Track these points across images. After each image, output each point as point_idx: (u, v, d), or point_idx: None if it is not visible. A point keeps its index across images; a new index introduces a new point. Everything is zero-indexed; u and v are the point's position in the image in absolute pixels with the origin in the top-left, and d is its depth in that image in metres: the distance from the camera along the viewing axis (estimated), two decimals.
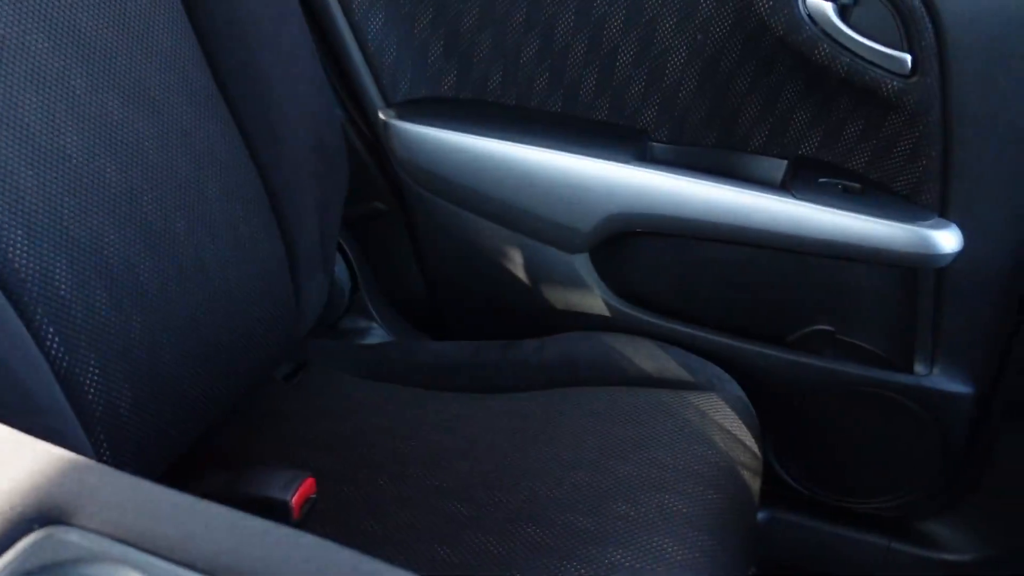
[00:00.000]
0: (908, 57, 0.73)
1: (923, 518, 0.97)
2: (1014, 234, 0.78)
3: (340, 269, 1.04)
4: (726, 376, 0.84)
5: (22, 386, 0.53)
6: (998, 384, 0.86)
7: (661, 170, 0.84)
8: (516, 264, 0.94)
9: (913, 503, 0.95)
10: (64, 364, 0.57)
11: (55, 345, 0.57)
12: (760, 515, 1.01)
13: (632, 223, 0.87)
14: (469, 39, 0.89)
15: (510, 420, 0.79)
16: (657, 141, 0.88)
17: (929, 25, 0.72)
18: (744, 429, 0.77)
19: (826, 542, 1.00)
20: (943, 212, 0.78)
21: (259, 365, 0.76)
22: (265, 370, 0.78)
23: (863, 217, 0.78)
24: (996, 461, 0.90)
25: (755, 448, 0.77)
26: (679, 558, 0.62)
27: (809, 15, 0.75)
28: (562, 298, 0.94)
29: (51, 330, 0.57)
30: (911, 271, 0.82)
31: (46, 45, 0.59)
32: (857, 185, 0.81)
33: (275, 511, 0.66)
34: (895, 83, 0.74)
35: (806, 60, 0.76)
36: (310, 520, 0.68)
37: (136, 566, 0.34)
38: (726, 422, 0.76)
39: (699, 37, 0.81)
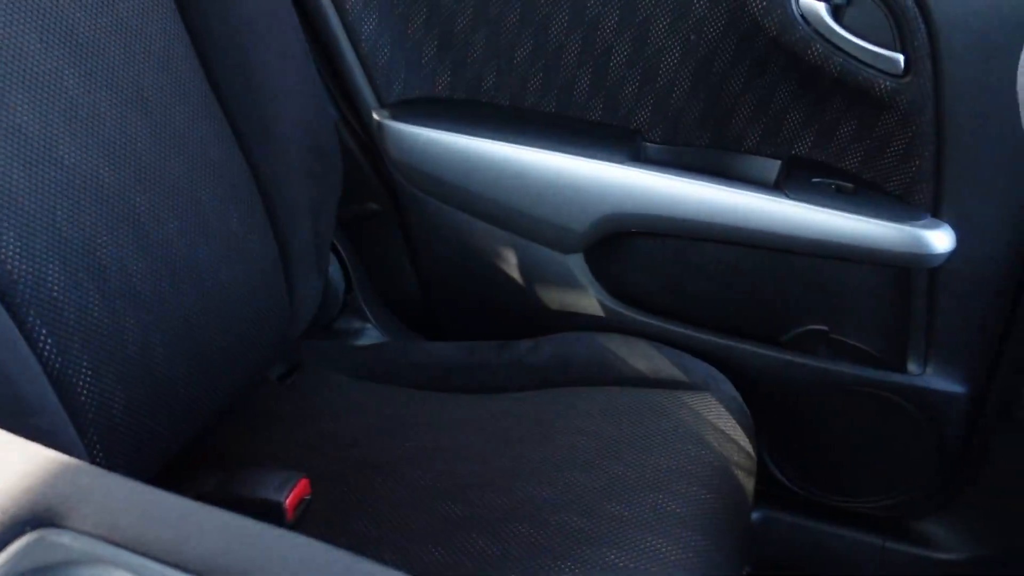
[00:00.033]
0: (901, 57, 0.73)
1: (918, 517, 0.97)
2: (1007, 234, 0.78)
3: (334, 270, 1.04)
4: (720, 376, 0.84)
5: (14, 387, 0.53)
6: (992, 383, 0.86)
7: (655, 170, 0.84)
8: (510, 264, 0.94)
9: (907, 502, 0.95)
10: (57, 365, 0.57)
11: (47, 346, 0.57)
12: (755, 515, 1.01)
13: (626, 223, 0.87)
14: (463, 39, 0.89)
15: (504, 420, 0.79)
16: (651, 141, 0.88)
17: (922, 25, 0.72)
18: (738, 429, 0.77)
19: (821, 542, 1.00)
20: (936, 212, 0.79)
21: (253, 366, 0.76)
22: (259, 371, 0.78)
23: (856, 217, 0.78)
24: (990, 460, 0.90)
25: (749, 448, 0.77)
26: (673, 558, 0.62)
27: (802, 15, 0.75)
28: (556, 298, 0.94)
29: (43, 331, 0.57)
30: (904, 271, 0.82)
31: (39, 46, 0.59)
32: (850, 185, 0.81)
33: (269, 512, 0.66)
34: (888, 83, 0.75)
35: (799, 60, 0.77)
36: (304, 521, 0.68)
37: (129, 568, 0.34)
38: (720, 422, 0.77)
39: (693, 37, 0.81)
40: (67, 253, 0.58)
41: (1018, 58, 0.70)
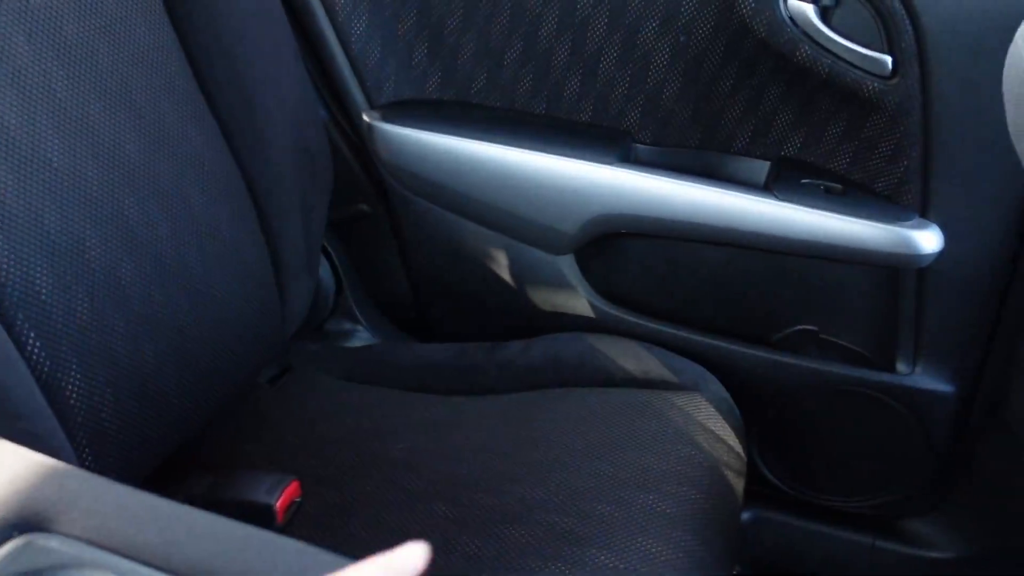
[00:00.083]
0: (888, 59, 0.74)
1: (907, 516, 0.97)
2: (994, 234, 0.79)
3: (324, 271, 1.04)
4: (710, 376, 0.84)
5: (2, 391, 0.53)
6: (979, 383, 0.86)
7: (645, 172, 0.84)
8: (501, 266, 0.94)
9: (897, 502, 0.95)
10: (45, 369, 0.57)
11: (36, 350, 0.57)
12: (745, 515, 1.01)
13: (616, 224, 0.87)
14: (453, 41, 0.89)
15: (494, 422, 0.79)
16: (641, 143, 0.88)
17: (909, 27, 0.72)
18: (728, 429, 0.78)
19: (811, 541, 1.00)
20: (924, 212, 0.79)
21: (243, 368, 0.75)
22: (249, 373, 0.78)
23: (845, 218, 0.79)
24: (978, 459, 0.91)
25: (739, 448, 0.78)
26: (663, 558, 0.63)
27: (791, 17, 0.75)
28: (547, 299, 0.94)
29: (32, 335, 0.56)
30: (893, 271, 0.83)
31: (27, 49, 0.59)
32: (839, 186, 0.81)
33: (259, 515, 0.66)
34: (876, 84, 0.75)
35: (788, 62, 0.77)
36: (294, 524, 0.68)
37: (117, 572, 0.34)
38: (710, 422, 0.77)
39: (682, 39, 0.81)
40: (55, 256, 0.58)
41: (1004, 59, 0.71)
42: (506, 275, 0.94)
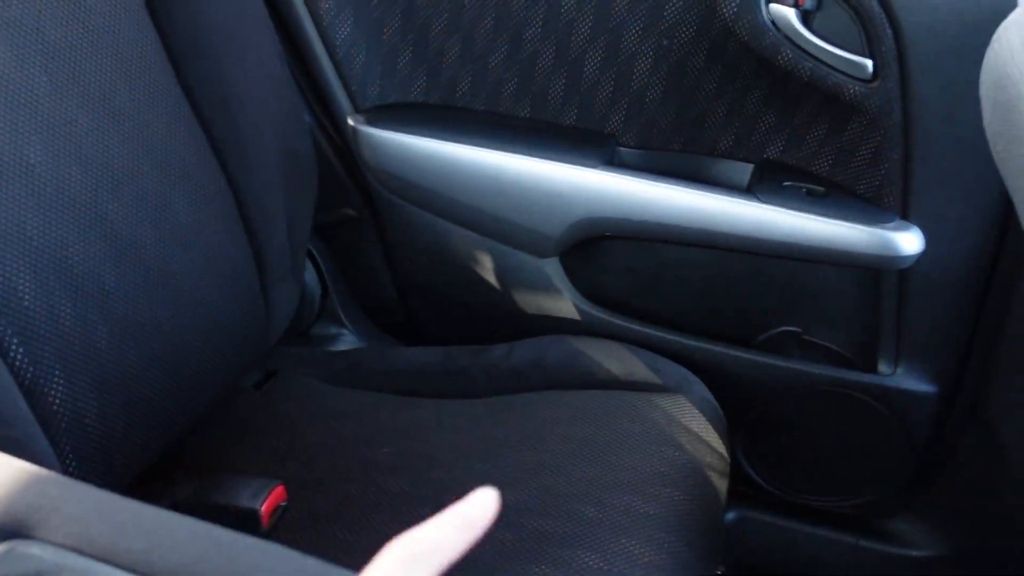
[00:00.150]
0: (869, 62, 0.74)
1: (890, 515, 0.98)
2: (974, 235, 0.80)
3: (310, 276, 1.03)
4: (694, 378, 0.84)
5: None
6: (960, 383, 0.87)
7: (629, 175, 0.85)
8: (487, 269, 0.94)
9: (879, 501, 0.96)
10: (28, 375, 0.57)
11: (19, 356, 0.56)
12: (729, 515, 1.02)
13: (601, 227, 0.87)
14: (438, 45, 0.89)
15: (479, 425, 0.79)
16: (625, 146, 0.88)
17: (889, 31, 0.73)
18: (711, 431, 0.78)
19: (795, 541, 1.01)
20: (905, 214, 0.80)
21: (228, 373, 0.75)
22: (235, 378, 0.78)
23: (827, 220, 0.79)
24: (958, 459, 0.91)
25: (722, 449, 0.78)
26: (647, 559, 0.63)
27: (772, 21, 0.76)
28: (533, 302, 0.94)
29: (15, 341, 0.56)
30: (874, 272, 0.83)
31: (9, 54, 0.59)
32: (821, 188, 0.82)
33: (245, 520, 0.66)
34: (857, 88, 0.76)
35: (770, 65, 0.77)
36: (279, 528, 0.68)
37: None
38: (693, 424, 0.77)
39: (665, 43, 0.82)
40: (38, 262, 0.58)
41: (982, 63, 0.72)
42: (491, 278, 0.95)
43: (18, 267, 0.57)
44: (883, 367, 0.88)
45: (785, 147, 0.83)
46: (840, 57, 0.75)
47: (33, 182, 0.58)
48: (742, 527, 1.02)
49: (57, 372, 0.58)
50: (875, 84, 0.75)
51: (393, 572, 0.29)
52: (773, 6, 0.75)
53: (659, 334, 0.91)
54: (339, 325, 1.05)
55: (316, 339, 1.05)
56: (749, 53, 0.78)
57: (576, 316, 0.93)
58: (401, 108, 0.92)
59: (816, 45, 0.75)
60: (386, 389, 0.87)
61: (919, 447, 0.90)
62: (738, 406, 0.90)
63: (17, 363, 0.56)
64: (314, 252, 1.03)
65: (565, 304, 0.93)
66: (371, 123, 0.91)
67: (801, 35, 0.75)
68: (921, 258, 0.79)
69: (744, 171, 0.86)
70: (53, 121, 0.60)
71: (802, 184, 0.82)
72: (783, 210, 0.80)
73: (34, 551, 0.34)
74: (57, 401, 0.58)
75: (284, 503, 0.68)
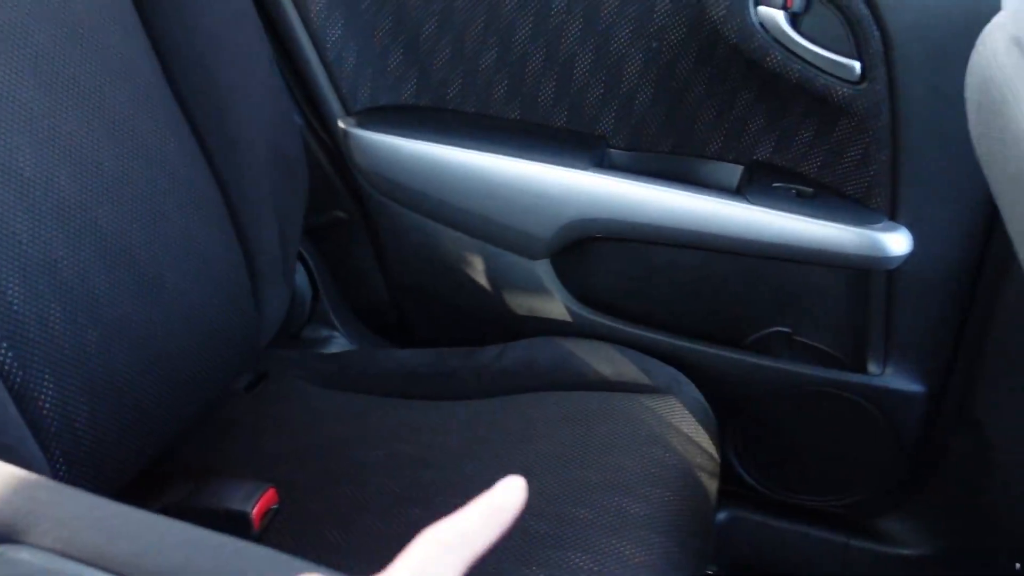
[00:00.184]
0: (857, 64, 0.75)
1: (880, 515, 0.98)
2: (962, 236, 0.80)
3: (300, 278, 1.04)
4: (684, 379, 0.85)
5: None
6: (948, 382, 0.88)
7: (620, 176, 0.85)
8: (478, 271, 0.94)
9: (869, 500, 0.97)
10: (18, 379, 0.57)
11: (9, 360, 0.56)
12: (721, 515, 1.02)
13: (591, 229, 0.88)
14: (428, 48, 0.89)
15: (470, 426, 0.79)
16: (615, 148, 0.88)
17: (876, 33, 0.73)
18: (701, 431, 0.78)
19: (786, 540, 1.01)
20: (893, 215, 0.80)
21: (219, 377, 0.75)
22: (226, 381, 0.78)
23: (816, 221, 0.80)
24: (948, 458, 0.92)
25: (712, 450, 0.78)
26: (637, 560, 0.63)
27: (761, 23, 0.76)
28: (524, 304, 0.94)
29: (4, 345, 0.56)
30: (863, 273, 0.84)
31: None
32: (810, 189, 0.82)
33: (236, 523, 0.66)
34: (845, 90, 0.76)
35: (759, 67, 0.78)
36: (271, 531, 0.68)
37: None
38: (683, 425, 0.77)
39: (654, 45, 0.82)
40: (27, 266, 0.58)
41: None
42: (482, 280, 0.95)
43: (7, 271, 0.57)
44: (872, 367, 0.88)
45: (774, 149, 0.84)
46: (828, 59, 0.75)
47: (22, 187, 0.58)
48: (733, 527, 1.02)
49: (47, 376, 0.58)
50: (863, 86, 0.75)
51: (426, 561, 0.29)
52: (761, 8, 0.76)
53: (650, 335, 0.91)
54: (330, 327, 1.05)
55: (307, 341, 1.06)
56: (738, 55, 0.78)
57: (567, 317, 0.93)
58: (392, 110, 0.92)
59: (804, 47, 0.76)
60: (377, 391, 0.87)
61: (908, 447, 0.91)
62: (729, 407, 0.91)
63: (6, 367, 0.56)
64: (305, 254, 1.03)
65: (556, 305, 0.93)
66: (362, 125, 0.91)
67: (789, 37, 0.76)
68: (909, 259, 0.79)
69: (734, 173, 0.86)
70: (43, 126, 0.60)
71: (791, 185, 0.82)
72: (772, 211, 0.81)
73: (23, 556, 0.34)
74: (47, 405, 0.58)
75: (275, 506, 0.68)
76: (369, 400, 0.85)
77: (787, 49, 0.76)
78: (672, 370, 0.85)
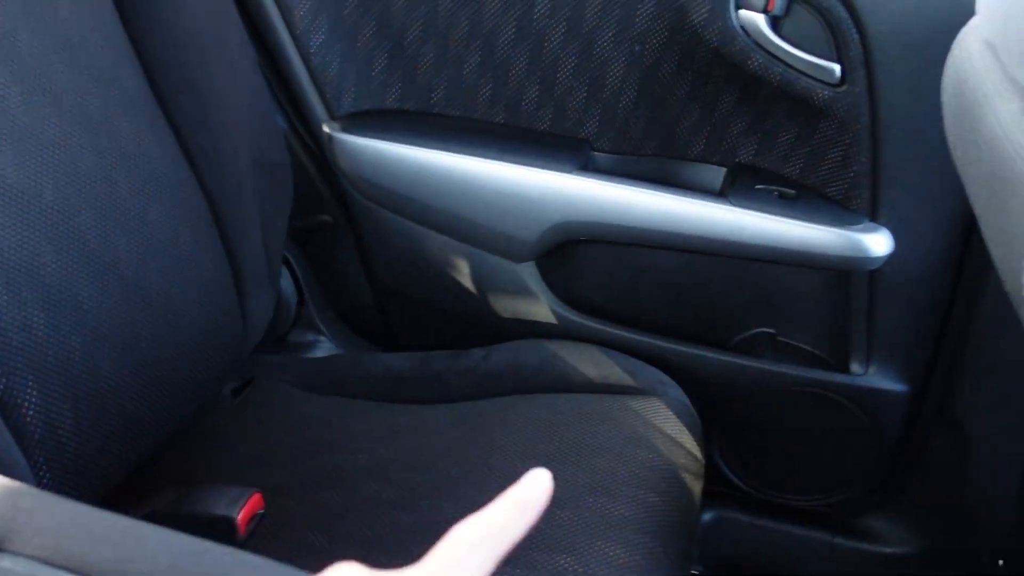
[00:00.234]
0: (837, 67, 0.76)
1: (864, 513, 0.99)
2: (942, 236, 0.81)
3: (286, 283, 1.03)
4: (669, 380, 0.85)
5: None
6: (929, 381, 0.88)
7: (604, 179, 0.85)
8: (463, 274, 0.95)
9: (854, 498, 0.97)
10: (1, 386, 0.57)
11: None
12: (707, 515, 1.02)
13: (576, 232, 0.88)
14: (412, 52, 0.89)
15: (455, 429, 0.79)
16: (599, 151, 0.89)
17: (856, 36, 0.74)
18: (686, 433, 0.79)
19: (772, 540, 1.02)
20: (874, 216, 0.81)
21: (204, 382, 0.75)
22: (211, 387, 0.78)
23: (798, 223, 0.80)
24: (930, 455, 0.93)
25: (696, 451, 0.79)
26: (622, 561, 0.64)
27: (742, 27, 0.77)
28: (509, 307, 0.95)
29: None
30: (845, 274, 0.84)
31: None
32: (792, 191, 0.83)
33: (222, 528, 0.66)
34: (825, 92, 0.77)
35: (741, 70, 0.78)
36: (257, 536, 0.68)
37: None
38: (668, 426, 0.78)
39: (637, 48, 0.83)
40: (10, 272, 0.58)
41: None
42: (468, 283, 0.95)
43: None
44: (855, 367, 0.89)
45: (757, 151, 0.84)
46: (809, 62, 0.76)
47: (4, 193, 0.58)
48: (719, 527, 1.03)
49: (30, 383, 0.58)
50: (843, 88, 0.76)
51: (455, 557, 0.29)
52: (742, 12, 0.76)
53: (635, 337, 0.91)
54: (316, 332, 1.05)
55: (293, 346, 1.05)
56: (720, 58, 0.79)
57: (552, 320, 0.93)
58: (376, 115, 0.92)
59: (785, 50, 0.76)
60: (363, 395, 0.87)
61: (891, 445, 0.91)
62: (714, 407, 0.91)
63: None
64: (290, 259, 1.03)
65: (541, 308, 0.93)
66: (346, 130, 0.91)
67: (770, 40, 0.76)
68: (890, 259, 0.80)
69: (717, 175, 0.87)
70: (24, 132, 0.60)
71: (773, 187, 0.83)
72: (755, 213, 0.81)
73: (5, 564, 0.34)
74: (30, 412, 0.58)
75: (261, 511, 0.68)
76: (355, 404, 0.85)
77: (768, 52, 0.77)
78: (657, 372, 0.86)
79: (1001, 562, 0.87)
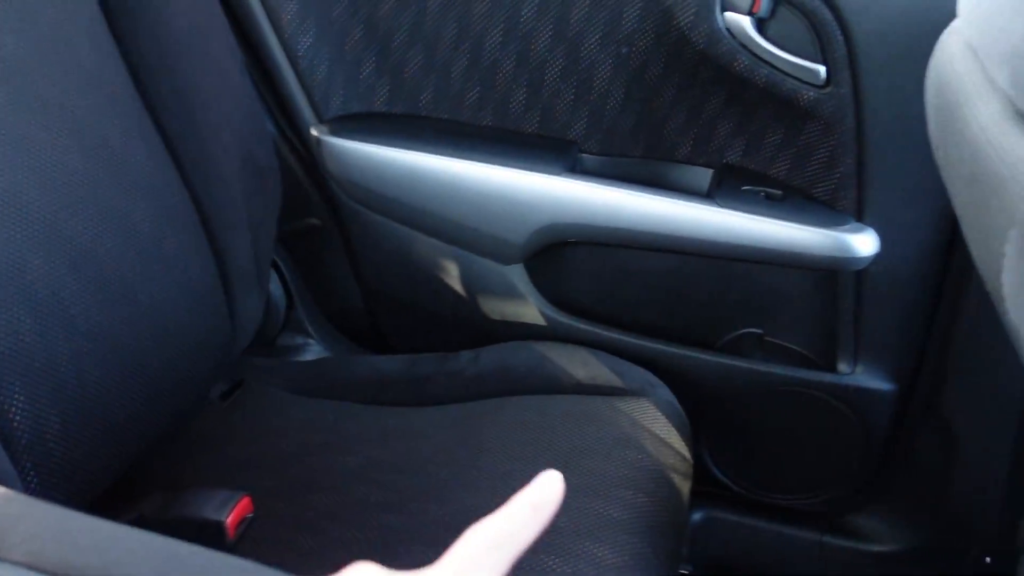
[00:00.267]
0: (822, 68, 0.76)
1: (853, 512, 1.00)
2: (928, 236, 0.81)
3: (274, 286, 1.03)
4: (657, 381, 0.85)
5: None
6: (916, 380, 0.89)
7: (592, 181, 0.86)
8: (452, 276, 0.95)
9: (842, 497, 0.98)
10: None
11: None
12: (696, 515, 1.03)
13: (564, 233, 0.88)
14: (400, 55, 0.89)
15: (444, 432, 0.80)
16: (587, 152, 0.89)
17: (840, 37, 0.74)
18: (674, 433, 0.79)
19: (762, 539, 1.02)
20: (860, 216, 0.81)
21: (193, 386, 0.75)
22: (200, 390, 0.78)
23: (785, 223, 0.81)
24: (917, 453, 0.93)
25: (685, 452, 0.79)
26: (610, 562, 0.64)
27: (728, 29, 0.77)
28: (498, 309, 0.95)
29: None
30: (832, 274, 0.85)
31: None
32: (779, 192, 0.83)
33: (211, 532, 0.66)
34: (811, 93, 0.77)
35: (727, 72, 0.79)
36: (246, 540, 0.68)
37: None
38: (656, 427, 0.78)
39: (624, 51, 0.83)
40: None
41: None
42: (457, 286, 0.95)
43: None
44: (843, 366, 0.89)
45: (744, 152, 0.85)
46: (794, 63, 0.77)
47: None
48: (709, 527, 1.03)
49: (18, 388, 0.58)
50: (828, 90, 0.76)
51: (470, 560, 0.30)
52: (728, 14, 0.77)
53: (623, 338, 0.92)
54: (305, 335, 1.05)
55: (282, 349, 1.05)
56: (706, 60, 0.79)
57: (541, 322, 0.94)
58: (364, 118, 0.93)
59: (771, 52, 0.77)
60: (351, 398, 0.87)
61: (879, 444, 0.92)
62: (703, 407, 0.92)
63: None
64: (279, 262, 1.03)
65: (530, 310, 0.93)
66: (335, 133, 0.91)
67: (756, 42, 0.77)
68: (876, 259, 0.81)
69: (704, 176, 0.87)
70: (9, 135, 0.60)
71: (760, 188, 0.84)
72: (742, 214, 0.82)
73: None
74: (18, 418, 0.58)
75: (250, 514, 0.68)
76: (343, 407, 0.85)
77: (754, 54, 0.77)
78: (645, 372, 0.86)
79: (988, 559, 0.88)
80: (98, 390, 0.63)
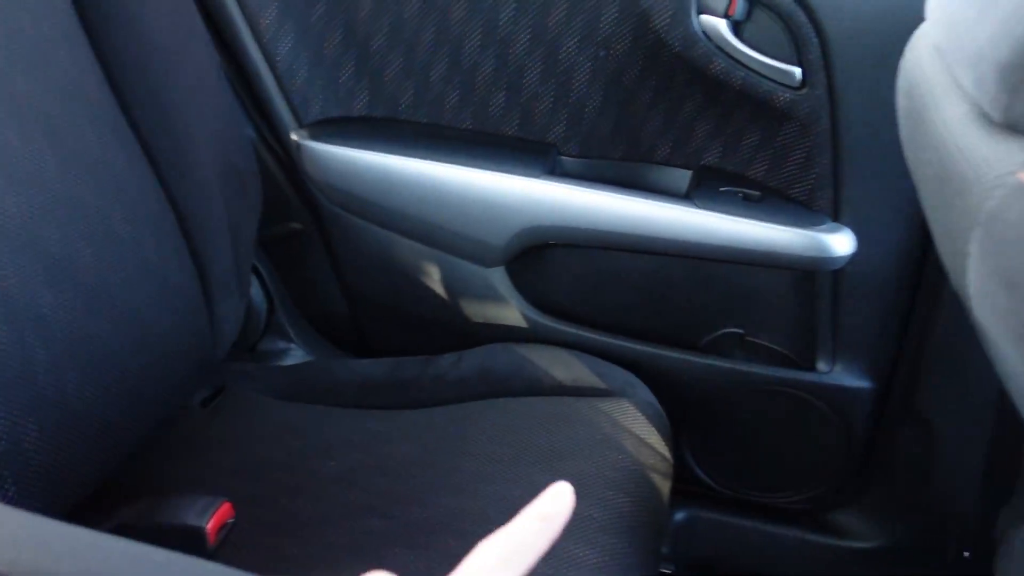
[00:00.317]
0: (798, 70, 0.77)
1: (834, 509, 1.00)
2: (903, 235, 0.82)
3: (255, 291, 1.03)
4: (638, 382, 0.86)
5: None
6: (894, 377, 0.90)
7: (571, 183, 0.86)
8: (434, 280, 0.95)
9: (823, 495, 0.98)
10: None
11: None
12: (679, 515, 1.03)
13: (545, 236, 0.89)
14: (379, 59, 0.90)
15: (427, 434, 0.80)
16: (566, 155, 0.90)
17: (815, 39, 0.75)
18: (654, 433, 0.79)
19: (744, 538, 1.03)
20: (836, 217, 0.82)
21: (174, 392, 0.75)
22: (181, 397, 0.78)
23: (762, 224, 0.81)
24: (896, 449, 0.94)
25: (665, 452, 0.80)
26: (592, 562, 0.64)
27: (704, 31, 0.78)
28: (480, 311, 0.95)
29: None
30: (809, 274, 0.86)
31: None
32: (756, 193, 0.84)
33: (191, 538, 0.65)
34: (787, 95, 0.78)
35: (703, 74, 0.79)
36: (227, 545, 0.67)
37: None
38: (636, 427, 0.79)
39: (602, 54, 0.84)
40: None
41: None
42: (439, 289, 0.95)
43: None
44: (821, 365, 0.90)
45: (721, 154, 0.85)
46: (770, 65, 0.77)
47: None
48: (692, 526, 1.04)
49: None
50: (804, 91, 0.77)
51: (485, 573, 0.29)
52: (704, 17, 0.77)
53: (604, 339, 0.92)
54: (286, 340, 1.05)
55: (264, 354, 1.05)
56: (683, 63, 0.80)
57: (523, 324, 0.94)
58: (344, 122, 0.93)
59: (746, 54, 0.77)
60: (335, 402, 0.87)
61: (858, 442, 0.93)
62: (684, 407, 0.92)
63: None
64: (259, 266, 1.03)
65: (512, 312, 0.94)
66: (314, 137, 0.91)
67: (732, 45, 0.77)
68: (853, 259, 0.81)
69: (682, 178, 0.88)
70: None
71: (738, 189, 0.84)
72: (720, 215, 0.82)
73: None
74: None
75: (231, 520, 0.68)
76: (326, 411, 0.85)
77: (730, 56, 0.78)
78: (625, 373, 0.86)
79: (967, 554, 0.89)
80: (77, 398, 0.63)
